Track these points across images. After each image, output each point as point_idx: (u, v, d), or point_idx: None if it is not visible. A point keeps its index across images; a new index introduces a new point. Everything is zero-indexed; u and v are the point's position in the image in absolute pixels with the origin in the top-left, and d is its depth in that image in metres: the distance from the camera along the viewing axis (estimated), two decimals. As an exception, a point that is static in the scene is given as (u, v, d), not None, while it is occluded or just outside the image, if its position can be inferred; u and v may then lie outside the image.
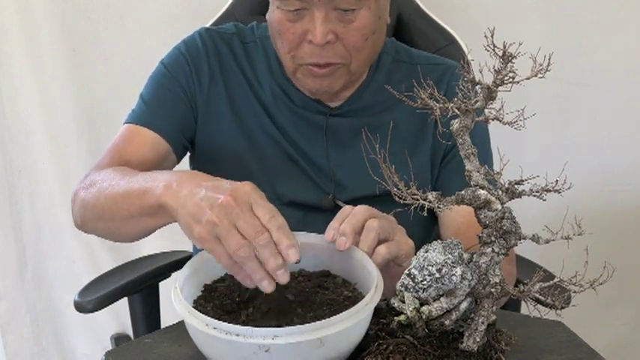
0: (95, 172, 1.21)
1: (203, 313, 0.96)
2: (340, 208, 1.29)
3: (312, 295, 1.01)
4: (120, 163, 1.24)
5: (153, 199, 1.03)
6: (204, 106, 1.36)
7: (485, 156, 1.30)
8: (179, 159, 1.38)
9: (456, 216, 1.30)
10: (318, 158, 1.36)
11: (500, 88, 0.90)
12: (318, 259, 1.08)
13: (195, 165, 1.41)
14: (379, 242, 1.05)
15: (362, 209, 1.07)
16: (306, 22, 1.22)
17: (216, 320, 0.90)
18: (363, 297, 0.97)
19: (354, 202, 1.17)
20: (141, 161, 1.26)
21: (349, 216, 1.06)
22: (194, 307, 0.99)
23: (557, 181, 0.90)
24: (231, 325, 0.89)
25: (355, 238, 1.04)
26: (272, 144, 1.36)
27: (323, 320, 0.89)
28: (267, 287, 0.93)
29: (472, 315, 0.95)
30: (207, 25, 1.59)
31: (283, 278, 0.92)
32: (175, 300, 0.95)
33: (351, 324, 0.90)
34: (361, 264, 1.03)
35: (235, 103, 1.36)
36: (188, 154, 1.41)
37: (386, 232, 1.06)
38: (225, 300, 1.00)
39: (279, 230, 0.93)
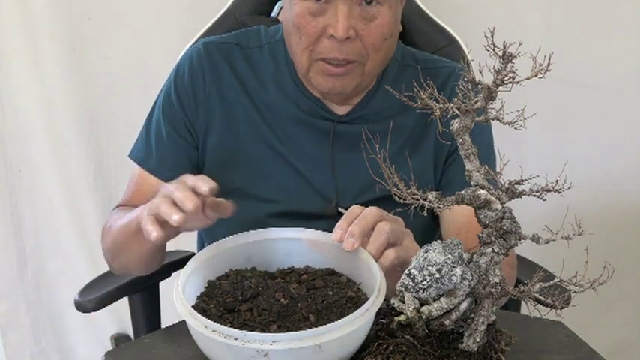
0: (111, 215, 1.37)
1: (205, 311, 0.97)
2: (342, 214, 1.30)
3: (315, 294, 1.01)
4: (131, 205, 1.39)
5: (134, 225, 1.17)
6: (203, 128, 1.36)
7: (488, 159, 1.29)
8: None
9: (457, 216, 1.29)
10: (321, 166, 1.35)
11: (500, 88, 0.90)
12: (324, 257, 1.09)
13: None
14: (388, 245, 1.05)
15: (373, 211, 1.06)
16: (328, 16, 1.23)
17: (214, 323, 0.90)
18: (366, 298, 0.97)
19: None
20: None
21: (359, 217, 1.06)
22: (197, 304, 1.00)
23: (557, 181, 0.90)
24: (229, 328, 0.89)
25: (363, 240, 1.04)
26: (271, 155, 1.35)
27: (322, 326, 0.89)
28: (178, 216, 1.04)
29: (472, 315, 0.95)
30: (209, 27, 1.60)
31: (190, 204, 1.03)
32: (177, 299, 0.95)
33: (350, 330, 0.90)
34: (367, 265, 1.03)
35: (232, 118, 1.36)
36: None
37: (396, 235, 1.06)
38: (228, 297, 1.00)
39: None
